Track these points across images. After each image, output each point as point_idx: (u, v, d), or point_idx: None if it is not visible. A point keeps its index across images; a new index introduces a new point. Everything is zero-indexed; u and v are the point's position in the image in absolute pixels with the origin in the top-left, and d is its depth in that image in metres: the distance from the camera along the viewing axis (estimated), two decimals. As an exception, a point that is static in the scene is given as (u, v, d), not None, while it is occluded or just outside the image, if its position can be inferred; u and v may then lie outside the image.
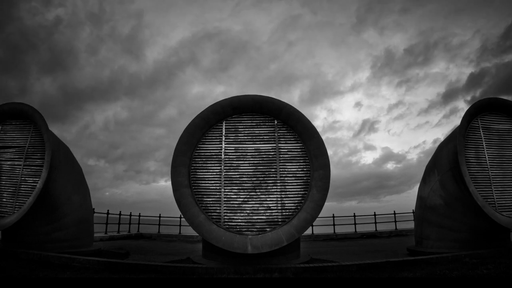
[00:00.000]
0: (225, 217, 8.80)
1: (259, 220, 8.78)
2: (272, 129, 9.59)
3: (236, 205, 8.89)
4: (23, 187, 9.69)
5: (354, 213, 19.79)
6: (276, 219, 8.78)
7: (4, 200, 9.70)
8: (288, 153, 9.36)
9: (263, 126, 9.64)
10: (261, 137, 9.51)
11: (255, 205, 8.88)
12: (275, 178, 9.10)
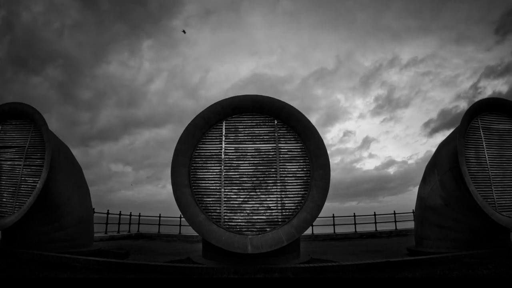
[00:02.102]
0: (225, 217, 8.80)
1: (259, 220, 8.78)
2: (272, 129, 9.59)
3: (236, 205, 8.89)
4: (23, 187, 9.69)
5: (354, 213, 19.77)
6: (276, 219, 8.78)
7: (4, 200, 9.69)
8: (288, 153, 9.36)
9: (263, 126, 9.63)
10: (261, 137, 9.51)
11: (255, 205, 8.88)
12: (275, 178, 9.10)
